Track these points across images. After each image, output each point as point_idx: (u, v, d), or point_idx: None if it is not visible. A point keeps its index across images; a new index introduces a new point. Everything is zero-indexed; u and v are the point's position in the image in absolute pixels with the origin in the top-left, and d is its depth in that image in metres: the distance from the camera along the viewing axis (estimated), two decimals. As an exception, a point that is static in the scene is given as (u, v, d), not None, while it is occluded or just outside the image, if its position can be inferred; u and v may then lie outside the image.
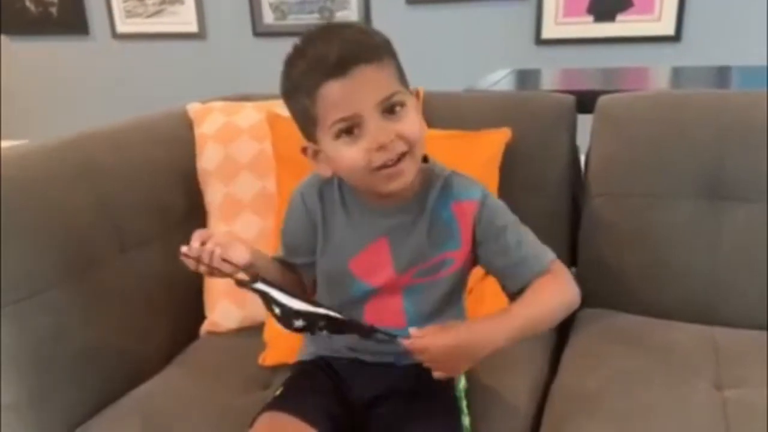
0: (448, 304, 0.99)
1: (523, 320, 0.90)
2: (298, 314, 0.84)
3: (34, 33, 3.81)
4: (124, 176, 1.24)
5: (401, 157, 0.86)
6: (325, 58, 0.82)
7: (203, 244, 0.89)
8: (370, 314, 0.96)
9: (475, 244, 0.96)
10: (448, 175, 0.96)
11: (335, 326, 0.84)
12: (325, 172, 0.93)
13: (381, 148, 0.84)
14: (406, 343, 0.83)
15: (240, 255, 0.90)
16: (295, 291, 0.88)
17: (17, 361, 1.03)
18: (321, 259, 0.99)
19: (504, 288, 0.98)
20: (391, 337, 0.84)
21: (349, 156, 0.85)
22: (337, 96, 0.83)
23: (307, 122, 0.88)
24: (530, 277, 0.94)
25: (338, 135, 0.85)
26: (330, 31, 0.88)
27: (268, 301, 0.85)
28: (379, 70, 0.84)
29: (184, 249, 0.89)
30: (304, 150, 0.93)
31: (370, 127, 0.83)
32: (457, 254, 0.96)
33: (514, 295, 0.96)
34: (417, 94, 0.93)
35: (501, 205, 0.98)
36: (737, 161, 1.25)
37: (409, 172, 0.87)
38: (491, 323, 0.89)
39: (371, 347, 0.98)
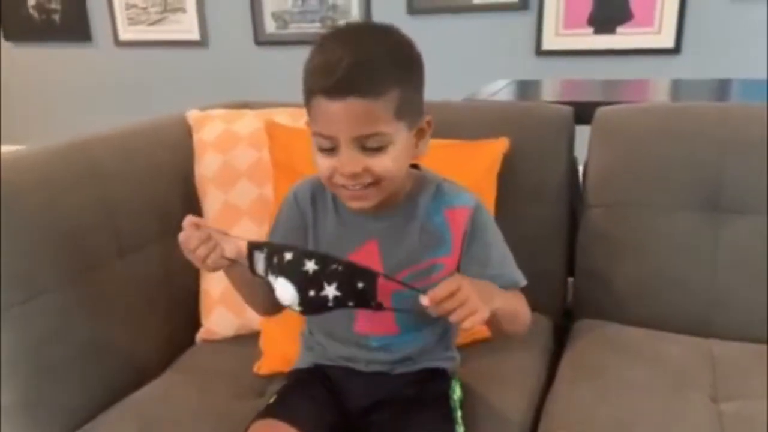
0: None
1: (510, 304, 0.90)
2: (311, 255, 0.81)
3: (37, 40, 3.83)
4: (125, 181, 1.25)
5: (366, 186, 0.87)
6: (329, 72, 0.82)
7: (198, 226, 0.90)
8: (361, 320, 0.97)
9: (461, 250, 0.96)
10: (440, 182, 0.97)
11: (347, 276, 0.81)
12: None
13: (344, 174, 0.85)
14: (441, 286, 0.78)
15: (231, 250, 0.90)
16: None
17: (15, 364, 1.03)
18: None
19: None
20: (412, 291, 0.80)
21: (320, 164, 0.88)
22: (323, 113, 0.84)
23: (307, 110, 0.90)
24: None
25: (319, 147, 0.87)
26: (358, 38, 0.88)
27: (276, 253, 0.83)
28: (371, 107, 0.82)
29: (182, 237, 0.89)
30: (308, 124, 0.92)
31: (342, 154, 0.85)
32: (447, 259, 0.96)
33: None
34: (428, 123, 0.93)
35: (491, 218, 0.99)
36: (736, 174, 1.25)
37: (370, 199, 0.89)
38: (490, 285, 0.88)
39: (366, 356, 0.98)
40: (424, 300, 0.78)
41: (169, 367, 1.24)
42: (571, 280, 1.43)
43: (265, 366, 1.18)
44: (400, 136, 0.87)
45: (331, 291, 0.81)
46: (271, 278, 0.84)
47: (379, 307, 0.81)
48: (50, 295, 1.06)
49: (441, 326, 1.01)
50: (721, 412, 1.04)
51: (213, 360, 1.25)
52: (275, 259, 0.83)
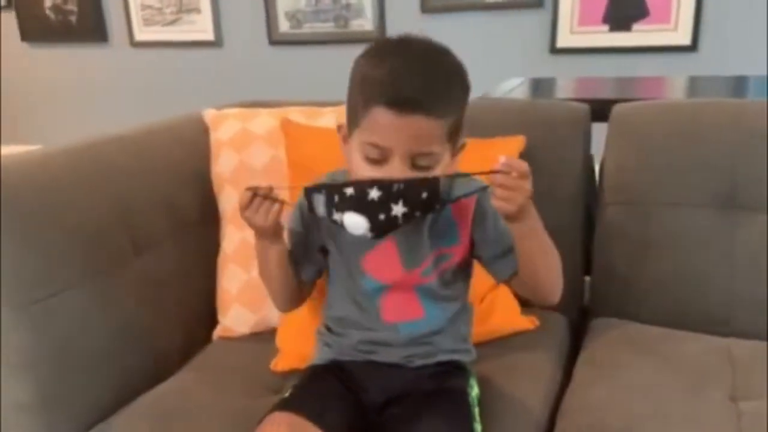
0: (460, 287, 1.03)
1: (547, 242, 0.92)
2: (372, 183, 0.84)
3: (54, 40, 3.86)
4: (141, 180, 1.26)
5: None
6: (397, 87, 0.83)
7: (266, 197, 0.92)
8: (387, 307, 0.99)
9: (473, 236, 0.98)
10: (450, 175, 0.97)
11: (410, 191, 0.84)
12: (346, 155, 0.95)
13: None
14: (504, 159, 0.81)
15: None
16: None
17: (33, 362, 1.04)
18: (336, 253, 1.01)
19: (495, 274, 1.00)
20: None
21: (362, 173, 0.88)
22: (383, 125, 0.84)
23: (352, 116, 0.90)
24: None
25: (366, 156, 0.87)
26: (425, 56, 0.87)
27: (335, 192, 0.86)
28: (432, 126, 0.85)
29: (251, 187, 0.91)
30: (339, 128, 0.95)
31: (392, 167, 0.86)
32: (455, 249, 0.98)
33: (504, 281, 1.00)
34: (462, 146, 0.94)
35: None
36: (753, 171, 1.24)
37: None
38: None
39: (380, 348, 1.00)
40: (501, 159, 0.81)
41: (185, 364, 1.24)
42: (587, 278, 1.42)
43: (281, 363, 1.18)
44: (445, 157, 0.89)
45: (398, 209, 0.84)
46: (337, 216, 0.87)
47: (444, 204, 0.87)
48: (67, 294, 1.07)
49: (462, 306, 1.04)
50: (741, 411, 1.03)
51: (229, 357, 1.25)
52: (336, 198, 0.86)
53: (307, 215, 0.98)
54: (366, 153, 0.87)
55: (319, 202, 0.88)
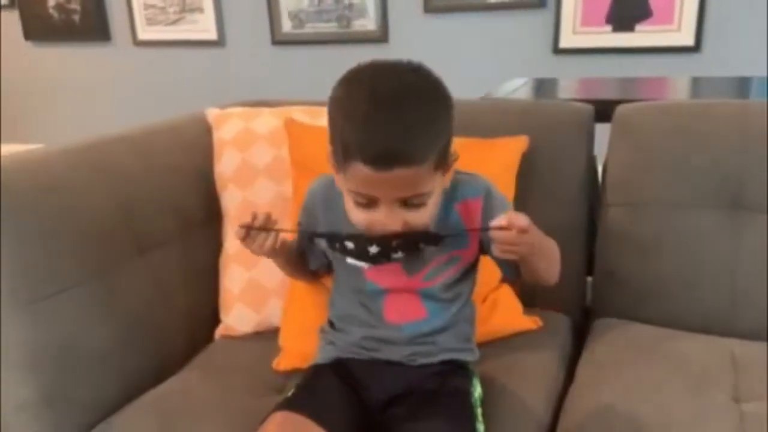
0: (463, 288, 1.03)
1: (547, 245, 0.94)
2: (371, 241, 0.90)
3: (57, 39, 3.87)
4: (144, 179, 1.26)
5: None
6: (372, 144, 0.80)
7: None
8: (390, 308, 0.99)
9: (481, 236, 0.97)
10: (452, 178, 0.96)
11: (408, 243, 0.90)
12: (340, 185, 0.94)
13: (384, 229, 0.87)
14: (504, 218, 0.83)
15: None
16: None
17: (37, 360, 1.04)
18: (339, 259, 1.01)
19: (503, 270, 1.02)
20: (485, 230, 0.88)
21: (356, 216, 0.89)
22: (364, 179, 0.83)
23: (336, 156, 0.87)
24: None
25: (355, 201, 0.88)
26: (396, 99, 0.81)
27: (337, 241, 0.94)
28: (415, 172, 0.82)
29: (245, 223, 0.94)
30: (327, 157, 0.92)
31: (381, 212, 0.86)
32: (464, 252, 0.99)
33: (512, 279, 1.02)
34: (455, 159, 0.92)
35: (502, 198, 0.99)
36: (757, 171, 1.24)
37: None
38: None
39: (383, 346, 1.00)
40: (502, 219, 0.82)
41: (188, 363, 1.25)
42: (590, 279, 1.42)
43: (283, 362, 1.18)
44: (437, 184, 0.88)
45: (397, 255, 0.92)
46: (337, 254, 0.97)
47: (439, 238, 0.92)
48: (69, 292, 1.07)
49: (465, 305, 1.04)
50: (743, 412, 1.03)
51: (232, 356, 1.25)
52: (338, 245, 0.94)
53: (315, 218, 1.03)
54: (354, 198, 0.87)
55: (321, 242, 0.98)
